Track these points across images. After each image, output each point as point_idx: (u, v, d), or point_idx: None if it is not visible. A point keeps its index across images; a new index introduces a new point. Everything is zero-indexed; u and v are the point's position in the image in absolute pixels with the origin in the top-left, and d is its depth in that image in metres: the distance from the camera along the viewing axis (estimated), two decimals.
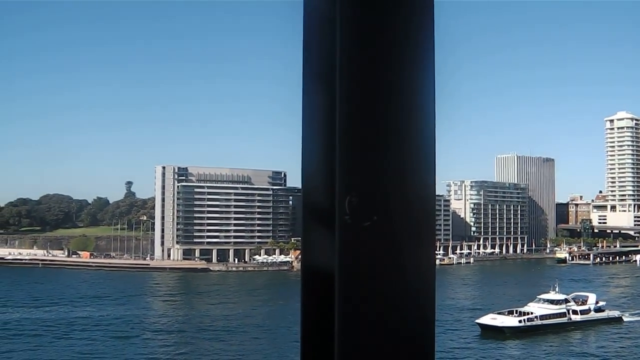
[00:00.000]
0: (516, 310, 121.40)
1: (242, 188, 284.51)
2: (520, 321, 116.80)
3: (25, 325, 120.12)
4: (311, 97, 2.20)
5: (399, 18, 2.06)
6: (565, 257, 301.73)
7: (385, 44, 2.04)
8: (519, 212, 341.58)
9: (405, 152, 2.11)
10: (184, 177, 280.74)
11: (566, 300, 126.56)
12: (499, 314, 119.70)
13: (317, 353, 2.31)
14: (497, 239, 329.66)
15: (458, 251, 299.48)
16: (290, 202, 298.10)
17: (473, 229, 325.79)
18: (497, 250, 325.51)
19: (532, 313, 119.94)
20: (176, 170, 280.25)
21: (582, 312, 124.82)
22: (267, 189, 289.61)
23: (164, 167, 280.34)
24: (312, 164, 2.31)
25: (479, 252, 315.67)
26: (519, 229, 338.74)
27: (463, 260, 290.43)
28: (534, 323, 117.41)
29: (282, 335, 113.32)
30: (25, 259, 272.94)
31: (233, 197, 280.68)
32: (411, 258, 2.14)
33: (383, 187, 2.07)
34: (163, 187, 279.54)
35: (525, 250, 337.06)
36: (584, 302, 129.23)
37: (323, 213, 2.21)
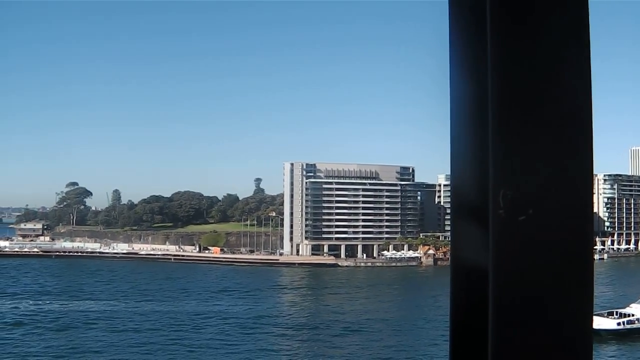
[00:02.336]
0: (616, 312, 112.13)
1: (370, 184, 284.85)
2: (619, 323, 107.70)
3: (158, 317, 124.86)
4: (459, 89, 2.11)
5: (552, 10, 2.00)
6: None
7: (537, 34, 1.95)
8: None
9: (560, 145, 2.03)
10: (312, 174, 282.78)
11: None
12: (597, 315, 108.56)
13: (467, 352, 2.07)
14: (632, 234, 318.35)
15: None
16: (419, 198, 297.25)
17: (607, 224, 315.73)
18: (632, 246, 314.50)
19: (633, 315, 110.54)
20: (304, 167, 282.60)
21: None
22: (395, 185, 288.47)
23: (292, 164, 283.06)
24: (461, 157, 2.12)
25: (612, 248, 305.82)
26: None
27: (596, 257, 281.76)
28: (634, 326, 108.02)
29: (412, 332, 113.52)
30: (158, 254, 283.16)
31: (361, 192, 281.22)
32: (569, 254, 1.99)
33: (538, 180, 2.06)
34: (292, 184, 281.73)
35: None
36: None
37: (474, 208, 2.07)
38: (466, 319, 2.16)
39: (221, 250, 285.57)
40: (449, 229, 2.13)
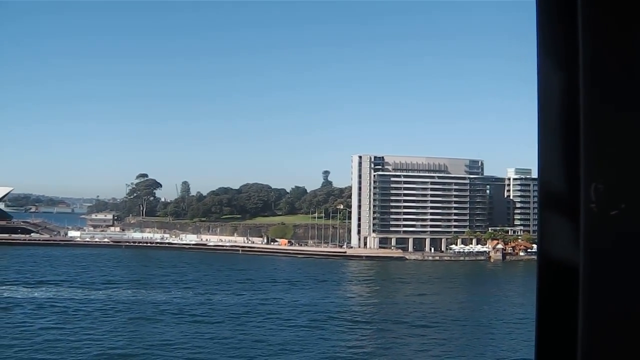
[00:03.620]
0: None
1: (439, 177, 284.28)
2: None
3: (226, 308, 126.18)
4: (549, 80, 2.13)
5: None
6: None
7: (630, 23, 1.93)
8: None
9: None
10: (380, 166, 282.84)
11: None
12: None
13: (555, 353, 2.12)
14: None
15: None
16: (488, 191, 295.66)
17: None
18: None
19: None
20: (372, 160, 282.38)
21: None
22: (464, 178, 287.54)
23: (360, 157, 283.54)
24: (550, 150, 2.16)
25: None
26: None
27: None
28: None
29: (483, 328, 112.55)
30: (226, 246, 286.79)
31: (429, 185, 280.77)
32: None
33: (631, 173, 2.01)
34: (360, 176, 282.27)
35: None
36: None
37: (563, 201, 2.12)
38: (554, 318, 2.04)
39: (289, 242, 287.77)
40: (536, 222, 1.90)
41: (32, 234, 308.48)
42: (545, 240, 2.10)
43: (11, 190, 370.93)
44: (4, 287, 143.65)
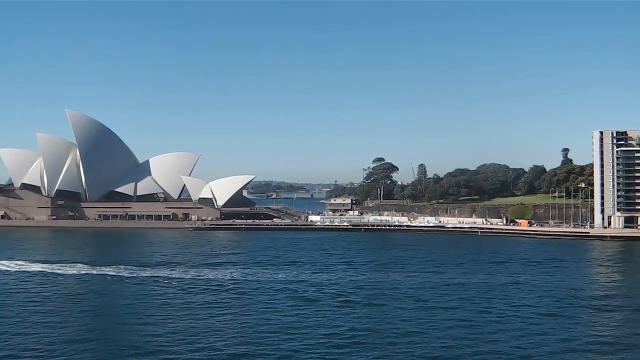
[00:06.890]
0: None
1: None
2: None
3: (465, 290, 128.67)
4: None
5: None
6: None
7: None
8: None
9: None
10: (623, 142, 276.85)
11: None
12: None
13: None
14: None
15: None
16: None
17: None
18: None
19: None
20: (614, 135, 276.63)
21: None
22: None
23: (601, 132, 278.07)
24: None
25: None
26: None
27: None
28: None
29: None
30: (465, 227, 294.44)
31: None
32: None
33: None
34: (601, 153, 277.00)
35: None
36: None
37: None
38: None
39: (529, 222, 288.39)
40: None
41: (274, 219, 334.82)
42: None
43: (253, 178, 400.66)
44: (248, 270, 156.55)
